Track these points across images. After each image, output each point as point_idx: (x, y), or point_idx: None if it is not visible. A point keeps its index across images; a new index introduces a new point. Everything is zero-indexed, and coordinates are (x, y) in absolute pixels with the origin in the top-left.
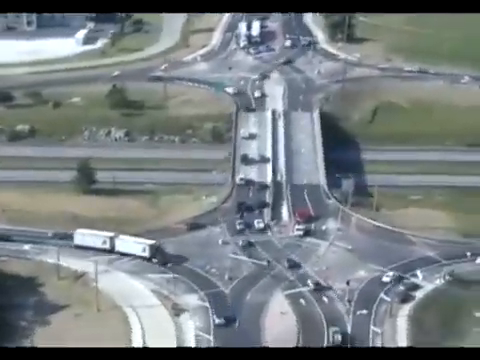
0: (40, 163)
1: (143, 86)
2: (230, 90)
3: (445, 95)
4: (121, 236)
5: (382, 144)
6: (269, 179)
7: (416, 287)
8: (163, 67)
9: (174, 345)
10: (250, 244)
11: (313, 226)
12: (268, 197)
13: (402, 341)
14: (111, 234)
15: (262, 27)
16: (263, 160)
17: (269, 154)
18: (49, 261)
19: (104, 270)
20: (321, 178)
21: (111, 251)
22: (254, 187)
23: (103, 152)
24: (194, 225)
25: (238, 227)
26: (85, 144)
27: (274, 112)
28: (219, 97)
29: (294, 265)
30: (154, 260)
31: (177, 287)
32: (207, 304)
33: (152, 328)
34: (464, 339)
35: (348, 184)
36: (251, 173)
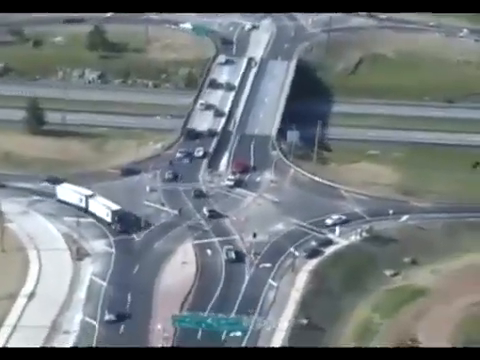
0: (3, 101)
1: (129, 29)
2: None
3: (438, 48)
4: (97, 197)
5: (358, 97)
6: (219, 127)
7: (329, 243)
8: None
9: (66, 289)
10: (175, 192)
11: (248, 177)
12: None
13: (296, 295)
14: (89, 192)
15: None
16: (221, 108)
17: (229, 102)
18: None
19: (23, 211)
20: (273, 129)
21: (86, 211)
22: (202, 135)
23: (70, 93)
24: (128, 171)
25: (167, 176)
26: (57, 84)
27: (250, 60)
28: (201, 42)
29: (213, 215)
30: (113, 227)
31: (88, 232)
32: (113, 250)
33: (49, 271)
34: (367, 297)
35: (292, 135)
36: (205, 121)
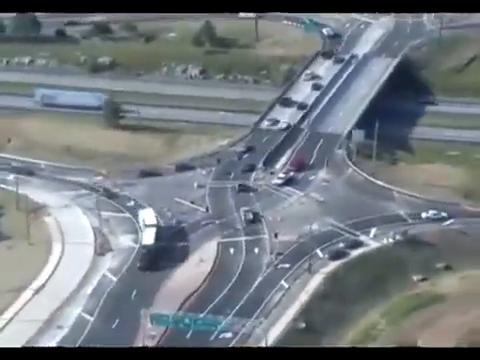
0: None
1: (246, 25)
2: (325, 31)
3: None
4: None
5: (459, 96)
6: (291, 124)
7: (358, 245)
8: None
9: (75, 284)
10: (221, 190)
11: (301, 175)
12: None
13: (304, 298)
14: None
15: None
16: (303, 104)
17: (312, 99)
18: (20, 192)
19: (64, 205)
20: (347, 128)
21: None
22: (271, 132)
23: (169, 89)
24: (182, 166)
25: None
26: (159, 79)
27: (352, 56)
28: (311, 39)
29: (250, 213)
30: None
31: (121, 227)
32: (136, 246)
33: (66, 265)
34: (385, 302)
35: (357, 135)
36: (282, 117)
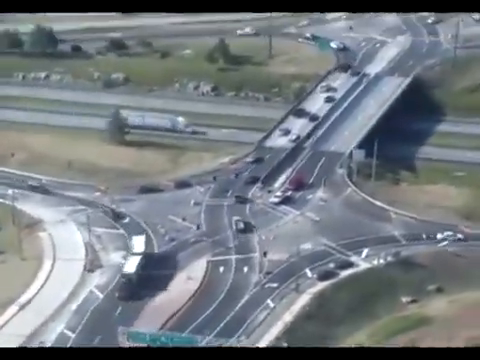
0: (104, 110)
1: (258, 41)
2: (334, 45)
3: None
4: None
5: (471, 116)
6: (292, 144)
7: (348, 265)
8: (301, 24)
9: (61, 300)
10: (217, 207)
11: (299, 194)
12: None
13: (288, 318)
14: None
15: None
16: (315, 116)
17: (324, 111)
18: (17, 207)
19: (60, 220)
20: (350, 147)
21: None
22: (274, 149)
23: (176, 104)
24: (181, 183)
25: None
26: (171, 96)
27: (363, 75)
28: (324, 57)
29: (243, 232)
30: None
31: (114, 243)
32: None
33: (54, 281)
34: (371, 324)
35: (357, 154)
36: (294, 127)
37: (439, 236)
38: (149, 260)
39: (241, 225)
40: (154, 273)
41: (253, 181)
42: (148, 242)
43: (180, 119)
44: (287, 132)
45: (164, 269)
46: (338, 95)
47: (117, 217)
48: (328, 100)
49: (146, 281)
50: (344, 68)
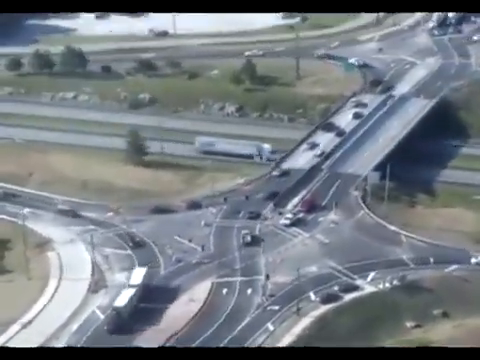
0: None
1: (286, 62)
2: (354, 61)
3: None
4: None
5: None
6: (310, 164)
7: (353, 289)
8: (332, 45)
9: (63, 320)
10: (227, 229)
11: (311, 217)
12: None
13: (287, 341)
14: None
15: None
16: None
17: (338, 139)
18: (29, 226)
19: (70, 240)
20: (367, 169)
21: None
22: (291, 171)
23: (201, 125)
24: (193, 204)
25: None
26: (195, 117)
27: (389, 97)
28: (352, 78)
29: (248, 236)
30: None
31: (120, 263)
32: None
33: (58, 301)
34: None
35: (372, 177)
36: (321, 141)
37: (473, 260)
38: (145, 292)
39: (248, 238)
40: (148, 306)
41: (272, 197)
42: (154, 261)
43: (266, 146)
44: (314, 146)
45: (160, 302)
46: (366, 111)
47: (135, 244)
48: (356, 116)
49: (138, 314)
50: (375, 84)
